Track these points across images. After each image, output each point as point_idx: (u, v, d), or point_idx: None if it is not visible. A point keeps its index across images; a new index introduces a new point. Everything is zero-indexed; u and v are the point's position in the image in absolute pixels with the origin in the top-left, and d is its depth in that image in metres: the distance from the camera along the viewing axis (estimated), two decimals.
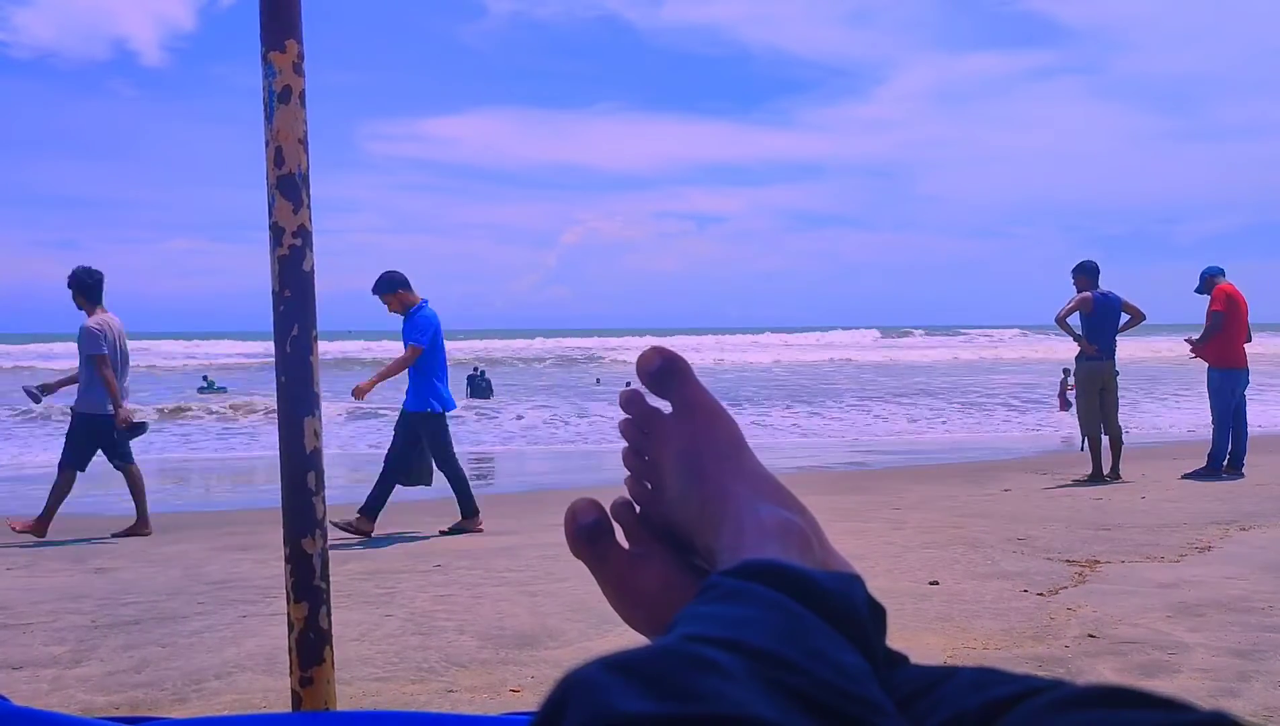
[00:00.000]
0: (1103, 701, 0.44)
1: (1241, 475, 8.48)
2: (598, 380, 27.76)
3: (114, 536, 6.85)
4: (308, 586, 1.20)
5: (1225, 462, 8.63)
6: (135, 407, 7.60)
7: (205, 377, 26.09)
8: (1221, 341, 8.79)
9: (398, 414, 7.06)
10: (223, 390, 24.29)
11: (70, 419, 7.13)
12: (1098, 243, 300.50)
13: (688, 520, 0.74)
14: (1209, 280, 9.01)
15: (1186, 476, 8.42)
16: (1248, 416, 8.97)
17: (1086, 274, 8.80)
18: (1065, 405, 16.51)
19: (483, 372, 23.38)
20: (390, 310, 6.95)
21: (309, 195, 1.21)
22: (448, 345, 7.20)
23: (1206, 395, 8.99)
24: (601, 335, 60.92)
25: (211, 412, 18.37)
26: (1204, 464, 8.59)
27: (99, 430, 6.95)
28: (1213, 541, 5.61)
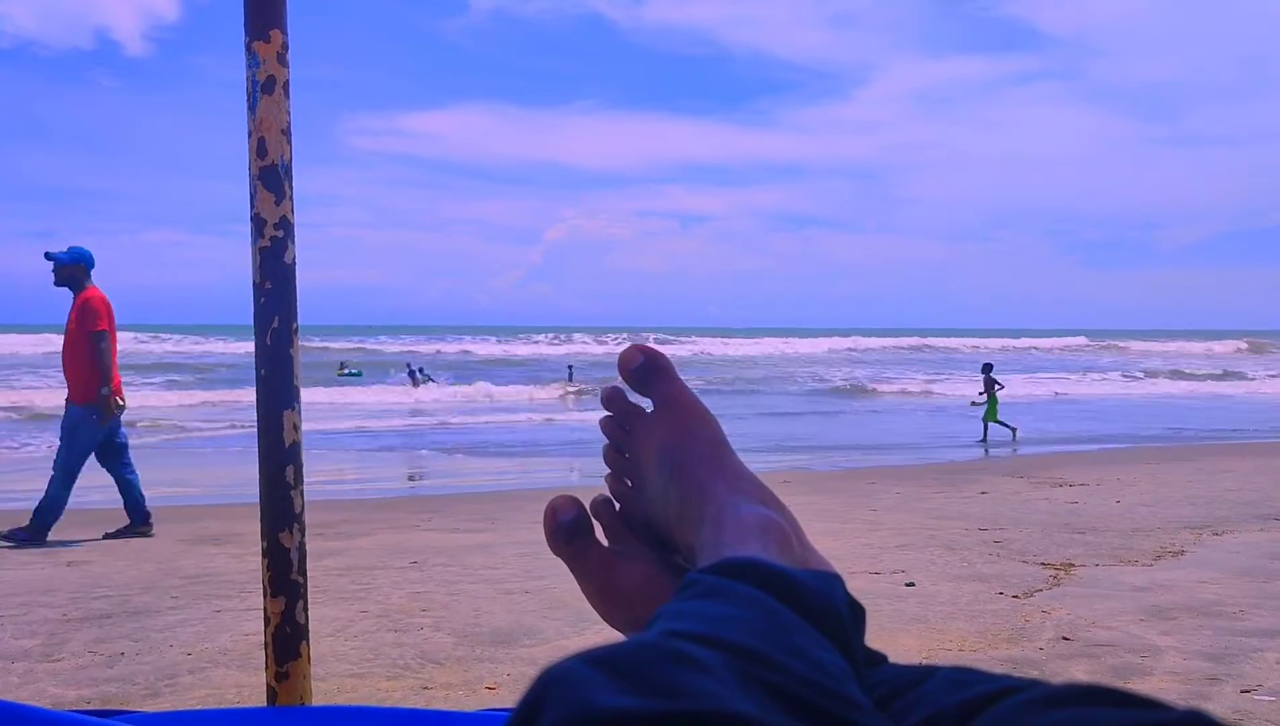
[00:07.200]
0: (1080, 700, 0.44)
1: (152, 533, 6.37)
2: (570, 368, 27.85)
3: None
4: (285, 580, 1.19)
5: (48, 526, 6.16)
6: None
7: (343, 363, 27.63)
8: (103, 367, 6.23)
9: None
10: (358, 375, 26.11)
11: None
12: (1079, 248, 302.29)
13: (668, 517, 0.74)
14: (70, 270, 6.29)
15: (109, 536, 6.35)
16: None
17: None
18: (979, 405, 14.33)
19: (422, 368, 25.15)
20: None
21: (292, 187, 1.20)
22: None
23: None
24: (586, 332, 60.37)
25: None
26: (126, 523, 6.41)
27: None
28: (1186, 545, 5.66)
